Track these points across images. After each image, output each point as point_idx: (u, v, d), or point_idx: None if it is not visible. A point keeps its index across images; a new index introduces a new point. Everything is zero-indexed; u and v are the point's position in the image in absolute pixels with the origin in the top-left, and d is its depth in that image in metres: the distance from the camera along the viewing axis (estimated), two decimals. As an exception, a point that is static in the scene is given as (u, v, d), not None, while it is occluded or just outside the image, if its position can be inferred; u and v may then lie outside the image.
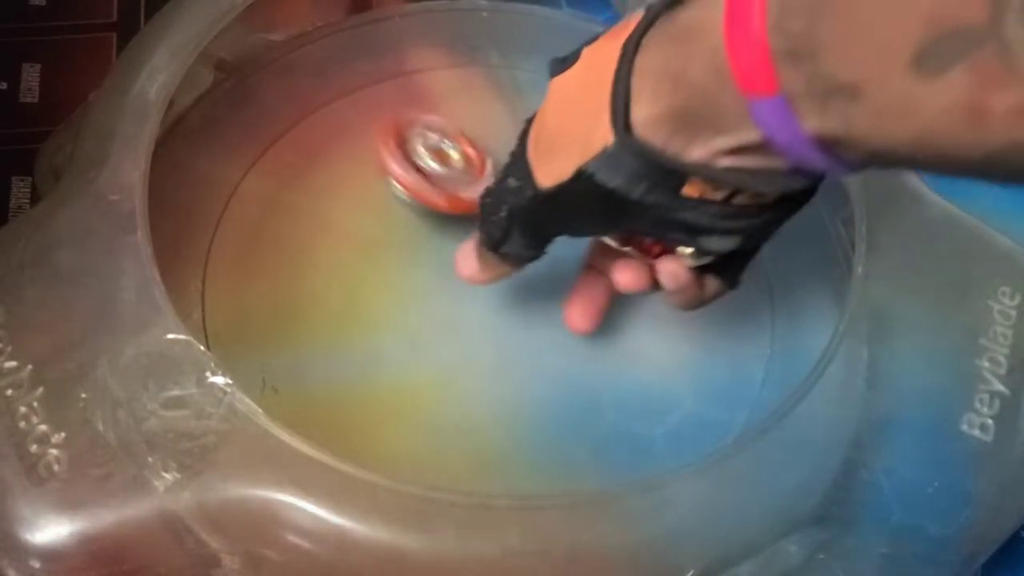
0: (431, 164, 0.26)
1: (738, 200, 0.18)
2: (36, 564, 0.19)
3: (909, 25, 0.14)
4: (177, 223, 0.25)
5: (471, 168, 0.27)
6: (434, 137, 0.26)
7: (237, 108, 0.27)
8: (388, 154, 0.26)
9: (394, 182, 0.26)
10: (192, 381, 0.20)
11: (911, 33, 0.14)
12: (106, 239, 0.22)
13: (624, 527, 0.20)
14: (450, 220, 0.26)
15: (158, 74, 0.24)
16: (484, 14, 0.30)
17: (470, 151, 0.27)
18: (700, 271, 0.21)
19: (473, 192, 0.25)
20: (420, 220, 0.26)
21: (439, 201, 0.26)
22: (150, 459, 0.19)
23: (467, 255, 0.23)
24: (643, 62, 0.18)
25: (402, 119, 0.26)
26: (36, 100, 0.30)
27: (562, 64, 0.20)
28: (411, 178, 0.26)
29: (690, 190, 0.18)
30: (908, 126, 0.15)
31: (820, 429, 0.21)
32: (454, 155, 0.27)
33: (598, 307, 0.24)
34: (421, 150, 0.26)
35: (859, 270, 0.23)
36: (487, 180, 0.26)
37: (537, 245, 0.22)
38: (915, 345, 0.23)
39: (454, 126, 0.27)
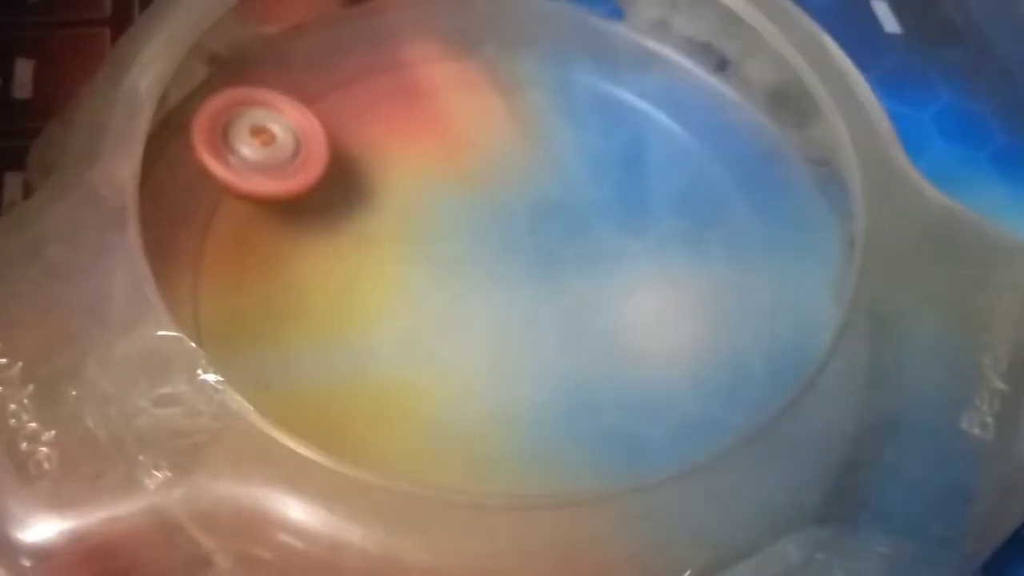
0: (248, 148, 0.24)
1: None
2: (26, 563, 0.19)
3: None
4: (169, 218, 0.25)
5: (300, 147, 0.24)
6: (258, 114, 0.24)
7: (231, 102, 0.27)
8: (199, 142, 0.24)
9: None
10: (184, 378, 0.20)
11: None
12: (97, 234, 0.22)
13: (621, 526, 0.20)
14: (450, 217, 0.26)
15: (150, 68, 0.24)
16: (481, 6, 0.30)
17: (300, 126, 0.25)
18: None
19: (300, 176, 0.24)
20: (417, 216, 0.26)
21: (257, 190, 0.24)
22: (141, 457, 0.19)
23: None
24: None
25: (223, 100, 0.24)
26: (29, 96, 0.30)
27: None
28: (220, 168, 0.24)
29: None
30: None
31: (820, 428, 0.21)
32: (279, 133, 0.24)
33: None
34: (240, 132, 0.24)
35: (859, 266, 0.23)
36: (320, 160, 0.24)
37: None
38: (915, 343, 0.22)
39: (283, 97, 0.25)
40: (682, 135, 0.29)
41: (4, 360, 0.20)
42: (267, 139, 0.24)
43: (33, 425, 0.20)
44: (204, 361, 0.20)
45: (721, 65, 0.29)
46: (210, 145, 0.24)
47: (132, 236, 0.21)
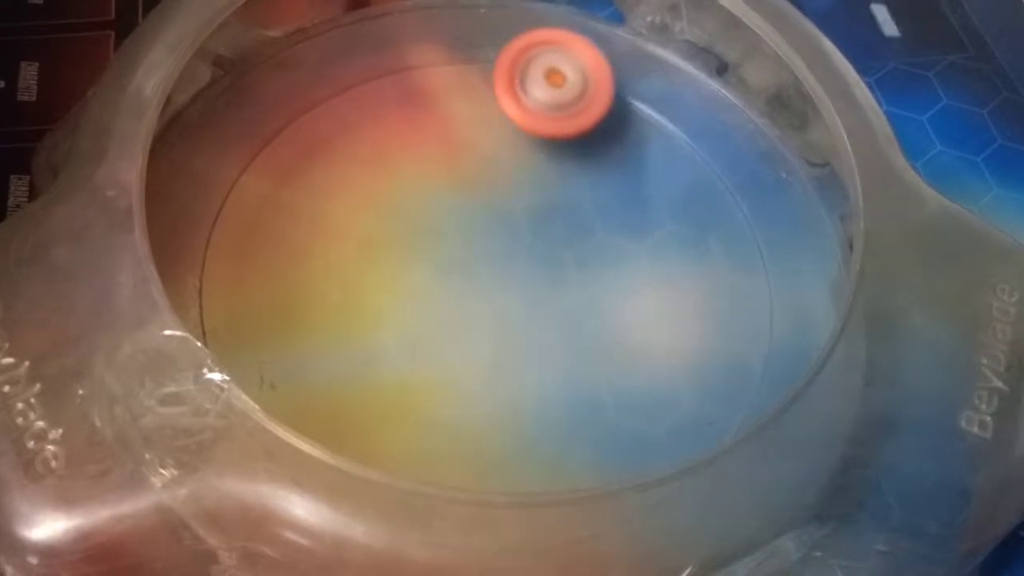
0: (541, 90, 0.26)
1: None
2: (33, 560, 0.19)
3: None
4: (175, 219, 0.25)
5: (588, 87, 0.27)
6: (552, 57, 0.27)
7: (235, 104, 0.27)
8: (498, 85, 0.26)
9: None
10: (189, 377, 0.20)
11: None
12: (103, 236, 0.22)
13: (623, 524, 0.20)
14: (453, 219, 0.26)
15: (155, 70, 0.24)
16: (483, 10, 0.30)
17: (590, 66, 0.27)
18: None
19: (584, 116, 0.26)
20: (420, 219, 0.26)
21: (546, 129, 0.27)
22: (147, 455, 0.19)
23: None
24: None
25: (522, 44, 0.27)
26: (34, 99, 0.30)
27: None
28: (517, 111, 0.26)
29: None
30: None
31: (818, 427, 0.21)
32: (569, 74, 0.27)
33: None
34: (534, 74, 0.27)
35: (857, 267, 0.23)
36: (604, 98, 0.26)
37: None
38: (914, 342, 0.23)
39: (576, 37, 0.27)
40: (682, 138, 0.29)
41: (11, 359, 0.20)
42: (558, 81, 0.27)
43: (40, 424, 0.20)
44: (209, 360, 0.20)
45: (721, 69, 0.30)
46: (508, 90, 0.27)
47: (138, 237, 0.21)
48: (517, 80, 0.27)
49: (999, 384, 0.22)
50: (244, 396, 0.20)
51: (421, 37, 0.29)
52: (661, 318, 0.25)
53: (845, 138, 0.25)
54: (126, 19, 0.32)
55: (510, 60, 0.27)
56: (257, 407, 0.20)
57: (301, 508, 0.19)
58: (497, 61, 0.27)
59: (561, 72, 0.27)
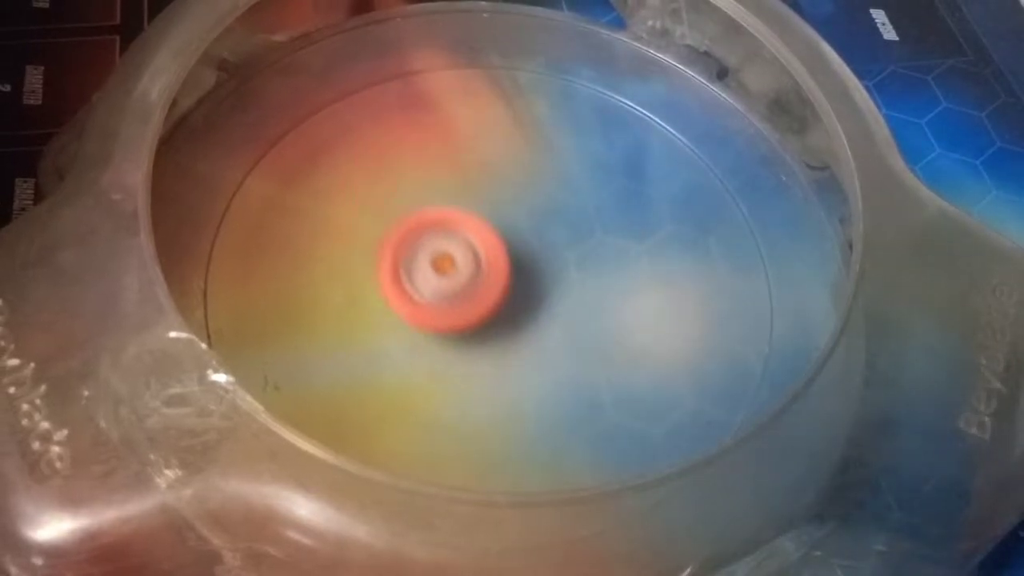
0: (430, 282, 0.24)
1: None
2: (38, 561, 0.19)
3: None
4: (180, 222, 0.25)
5: (480, 272, 0.24)
6: (439, 242, 0.24)
7: (240, 109, 0.27)
8: (383, 278, 0.24)
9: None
10: (194, 379, 0.20)
11: None
12: (109, 238, 0.22)
13: (623, 523, 0.20)
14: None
15: (161, 75, 0.24)
16: (485, 15, 0.30)
17: (481, 249, 0.24)
18: None
19: (477, 305, 0.24)
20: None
21: (439, 324, 0.24)
22: (152, 456, 0.20)
23: None
24: None
25: (403, 230, 0.24)
26: (39, 102, 0.30)
27: None
28: (406, 309, 0.24)
29: None
30: None
31: (817, 427, 0.21)
32: (459, 259, 0.24)
33: None
34: (421, 262, 0.24)
35: (856, 269, 0.23)
36: (500, 281, 0.23)
37: None
38: (913, 343, 0.23)
39: (469, 220, 0.25)
40: (683, 142, 0.29)
41: (17, 361, 0.21)
42: (447, 267, 0.24)
43: (46, 425, 0.20)
44: (214, 362, 0.20)
45: (721, 73, 0.30)
46: (395, 286, 0.24)
47: (144, 240, 0.22)
48: (402, 270, 0.24)
49: (998, 385, 0.22)
50: (249, 397, 0.20)
51: (424, 42, 0.29)
52: (661, 319, 0.25)
53: (844, 142, 0.25)
54: (131, 24, 0.32)
55: (394, 248, 0.24)
56: (261, 408, 0.20)
57: (304, 508, 0.19)
58: (381, 250, 0.24)
59: (450, 256, 0.24)
